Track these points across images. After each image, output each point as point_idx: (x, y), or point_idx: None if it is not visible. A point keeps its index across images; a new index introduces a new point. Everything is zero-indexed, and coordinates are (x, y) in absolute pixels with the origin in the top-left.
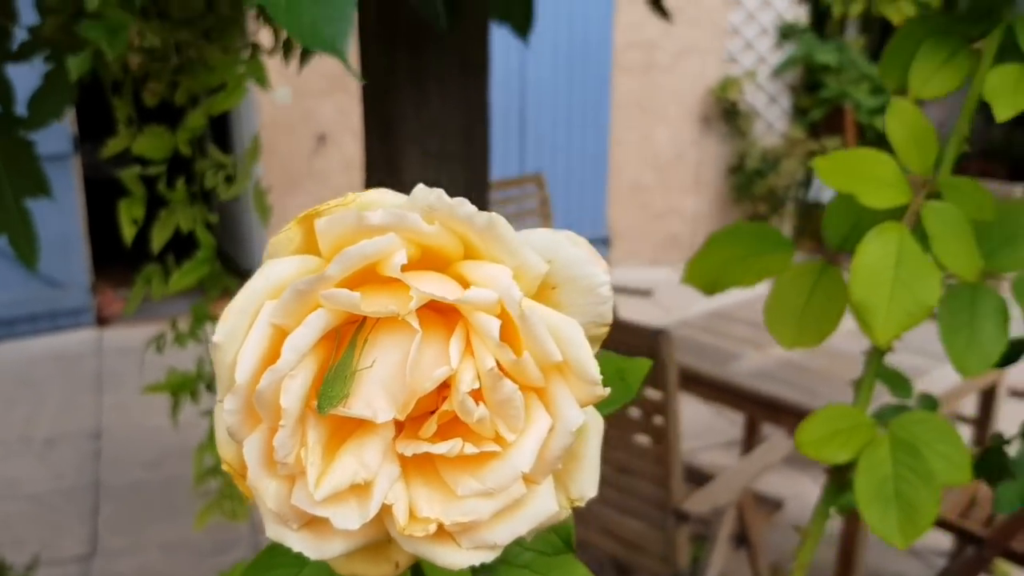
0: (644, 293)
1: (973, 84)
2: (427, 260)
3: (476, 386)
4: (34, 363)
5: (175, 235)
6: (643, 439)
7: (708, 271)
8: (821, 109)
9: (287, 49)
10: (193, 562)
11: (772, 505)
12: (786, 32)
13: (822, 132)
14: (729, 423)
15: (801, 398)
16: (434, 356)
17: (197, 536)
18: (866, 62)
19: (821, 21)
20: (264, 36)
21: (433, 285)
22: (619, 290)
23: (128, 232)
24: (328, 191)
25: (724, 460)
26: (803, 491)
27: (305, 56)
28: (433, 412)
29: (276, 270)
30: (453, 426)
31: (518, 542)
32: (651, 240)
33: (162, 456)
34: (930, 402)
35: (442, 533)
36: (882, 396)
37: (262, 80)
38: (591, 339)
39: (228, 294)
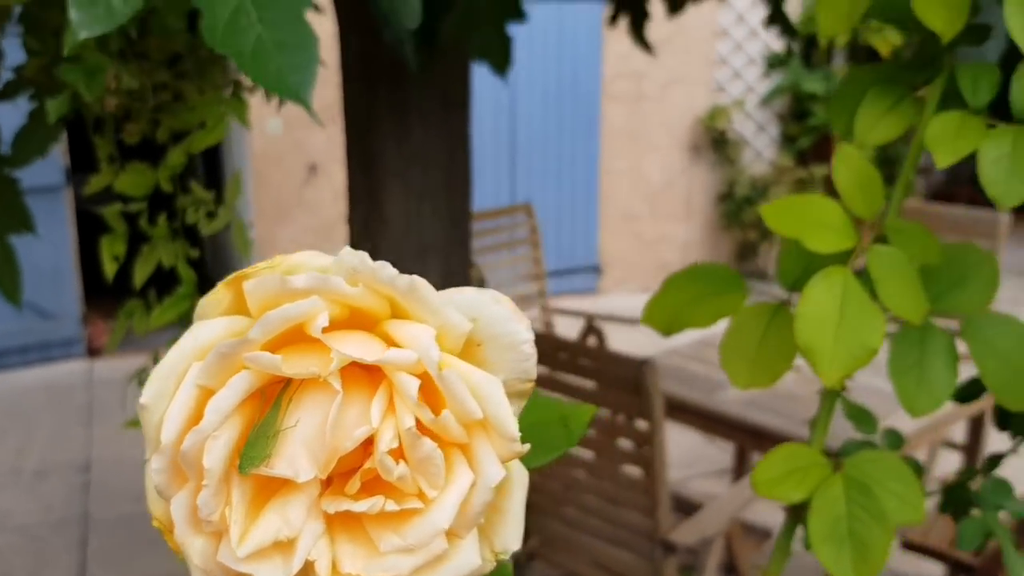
0: (634, 322)
1: (918, 131)
2: (356, 319)
3: (395, 445)
4: (25, 394)
5: (164, 268)
6: (631, 469)
7: (665, 312)
8: (809, 137)
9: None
10: None
11: (760, 535)
12: (773, 62)
13: (810, 160)
14: (720, 451)
15: (789, 427)
16: (357, 415)
17: (185, 571)
18: None
19: (808, 50)
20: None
21: (354, 346)
22: (609, 319)
23: (109, 268)
24: (318, 221)
25: (715, 488)
26: None
27: None
28: (360, 469)
29: (204, 332)
30: (377, 483)
31: None
32: (642, 268)
33: None
34: (894, 438)
35: None
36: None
37: (243, 119)
38: (517, 394)
39: None
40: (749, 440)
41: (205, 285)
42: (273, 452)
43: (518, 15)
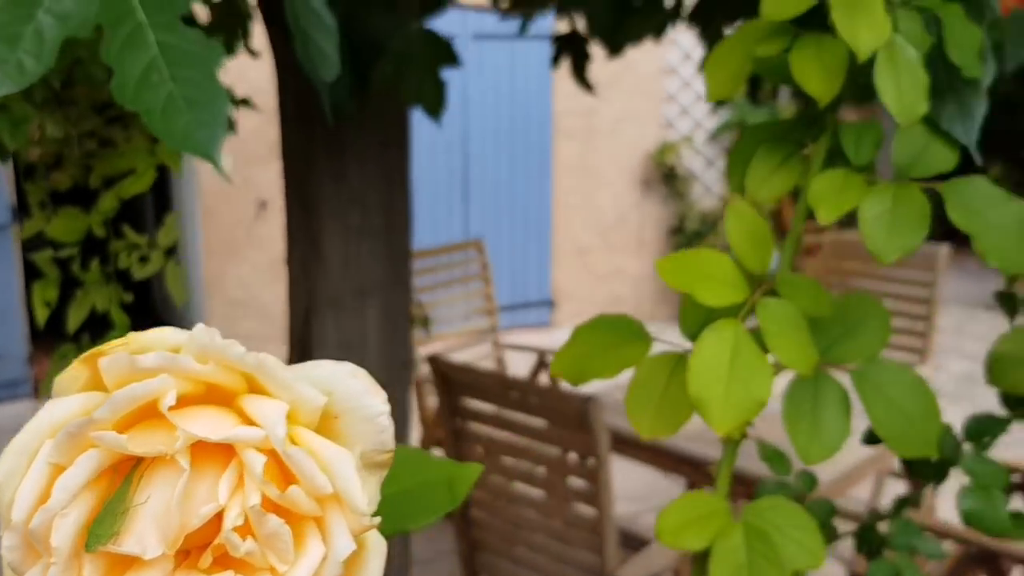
0: None
1: (805, 188)
2: (213, 395)
3: (241, 522)
4: None
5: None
6: (579, 507)
7: (572, 363)
8: None
9: None
10: None
11: None
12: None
13: None
14: (673, 484)
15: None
16: (207, 491)
17: None
18: None
19: (754, 87)
20: None
21: (202, 424)
22: None
23: (41, 314)
24: (269, 258)
25: None
26: None
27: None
28: (212, 544)
29: (59, 408)
30: (230, 557)
31: None
32: (595, 301)
33: None
34: (808, 479)
35: None
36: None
37: (175, 165)
38: (376, 465)
39: None
40: (697, 474)
41: (150, 326)
42: (122, 529)
43: (452, 60)
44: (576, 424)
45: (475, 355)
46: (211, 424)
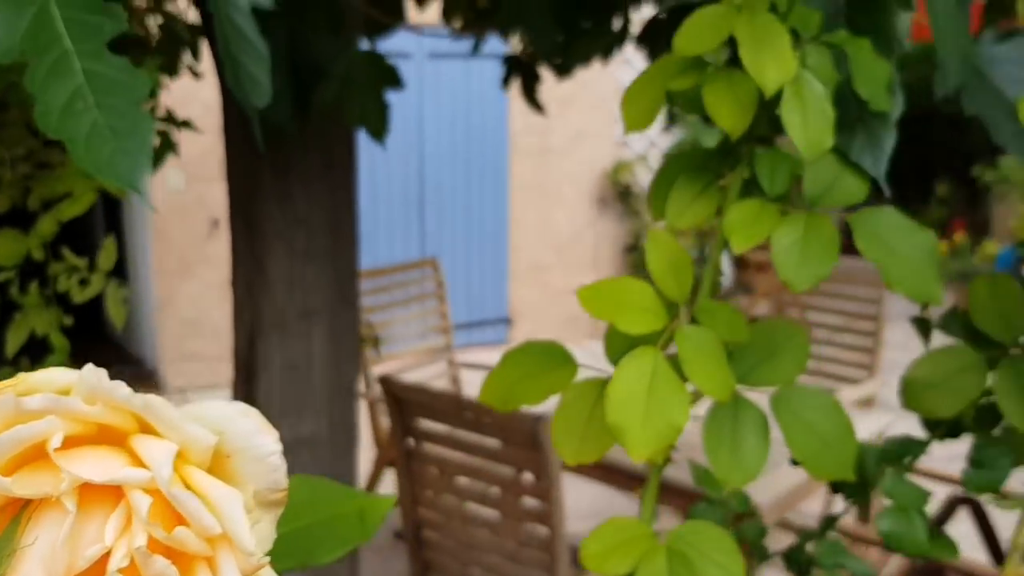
0: None
1: (722, 217)
2: (104, 435)
3: (127, 563)
4: None
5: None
6: (531, 526)
7: (500, 389)
8: None
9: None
10: None
11: None
12: (674, 118)
13: None
14: (629, 501)
15: (688, 478)
16: (94, 532)
17: None
18: None
19: None
20: None
21: (88, 466)
22: None
23: None
24: (222, 277)
25: None
26: None
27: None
28: None
29: None
30: None
31: None
32: (552, 319)
33: None
34: (741, 499)
35: None
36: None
37: (115, 188)
38: (270, 503)
39: None
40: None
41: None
42: (8, 571)
43: (395, 83)
44: (528, 443)
45: (430, 374)
46: (98, 465)
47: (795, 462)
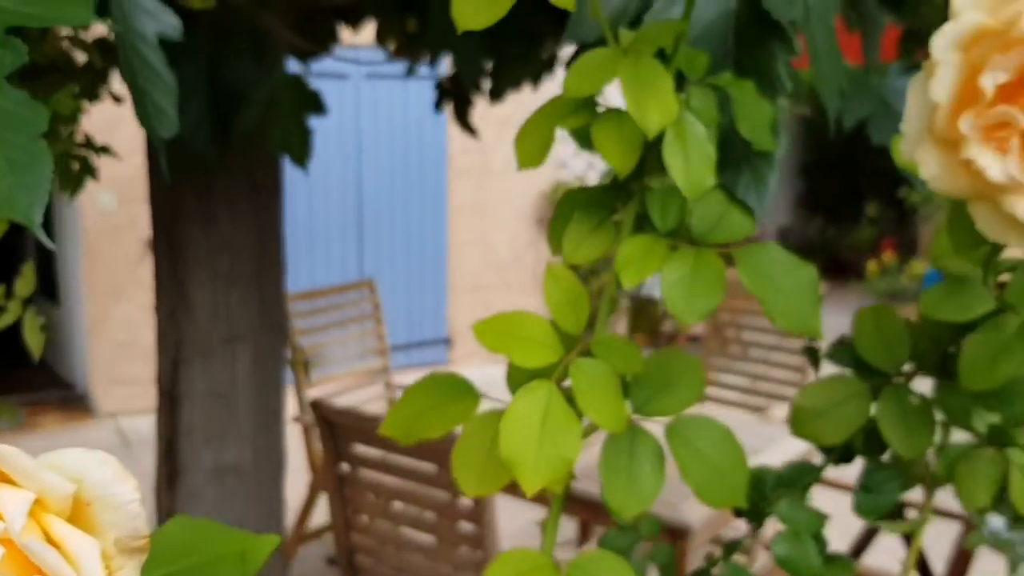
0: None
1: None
2: None
3: None
4: None
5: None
6: (466, 551)
7: (403, 422)
8: None
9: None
10: None
11: None
12: None
13: None
14: (566, 520)
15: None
16: None
17: None
18: None
19: None
20: None
21: None
22: None
23: None
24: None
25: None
26: None
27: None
28: None
29: None
30: None
31: None
32: None
33: None
34: (651, 524)
35: None
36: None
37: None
38: (132, 551)
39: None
40: (587, 513)
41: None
42: None
43: (318, 109)
44: None
45: (367, 396)
46: None
47: None
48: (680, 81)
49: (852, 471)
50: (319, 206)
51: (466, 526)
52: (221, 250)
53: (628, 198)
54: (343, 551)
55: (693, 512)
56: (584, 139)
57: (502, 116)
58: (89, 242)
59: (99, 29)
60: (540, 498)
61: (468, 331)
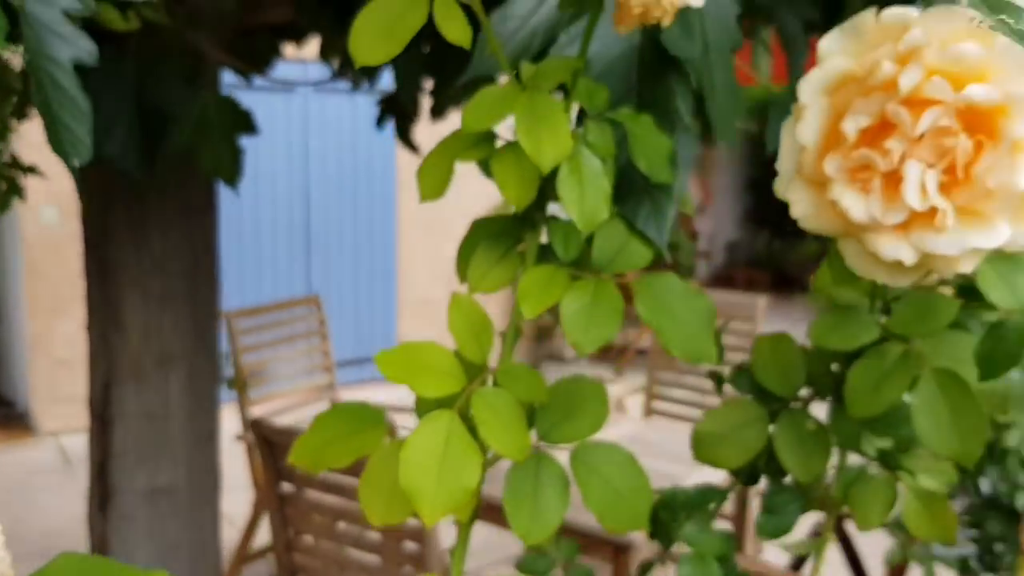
0: None
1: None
2: None
3: None
4: None
5: None
6: (410, 571)
7: (311, 451)
8: None
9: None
10: None
11: None
12: None
13: None
14: (509, 538)
15: (573, 516)
16: None
17: None
18: None
19: None
20: None
21: None
22: (401, 409)
23: None
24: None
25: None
26: None
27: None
28: None
29: None
30: None
31: None
32: None
33: None
34: (568, 547)
35: None
36: None
37: None
38: None
39: None
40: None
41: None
42: None
43: (250, 129)
44: None
45: (313, 413)
46: None
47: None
48: (582, 116)
49: None
50: (266, 221)
51: (410, 545)
52: (153, 271)
53: (532, 228)
54: (285, 572)
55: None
56: (489, 170)
57: (450, 130)
58: (31, 257)
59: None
60: (485, 516)
61: None
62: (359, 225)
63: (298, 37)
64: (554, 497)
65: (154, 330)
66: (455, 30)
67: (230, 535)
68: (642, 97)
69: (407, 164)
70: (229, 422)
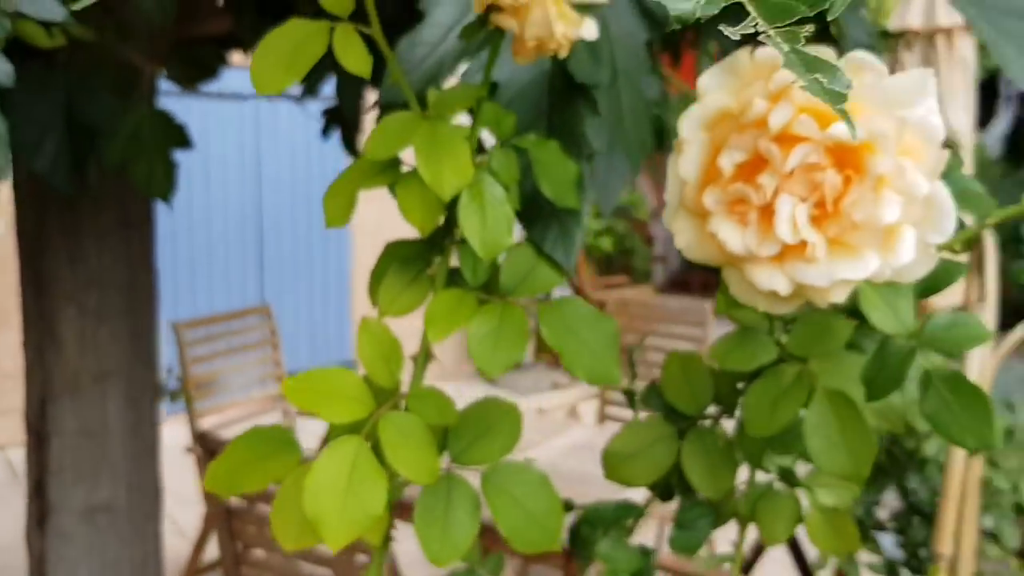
0: None
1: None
2: None
3: None
4: None
5: None
6: None
7: (224, 476)
8: None
9: None
10: None
11: None
12: None
13: None
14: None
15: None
16: None
17: None
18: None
19: None
20: None
21: None
22: None
23: None
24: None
25: None
26: None
27: None
28: None
29: None
30: None
31: None
32: None
33: None
34: (495, 562)
35: None
36: None
37: None
38: None
39: None
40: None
41: None
42: None
43: (184, 143)
44: None
45: (265, 423)
46: None
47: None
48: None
49: None
50: (217, 229)
51: (362, 558)
52: (89, 285)
53: (440, 253)
54: None
55: None
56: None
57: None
58: None
59: None
60: None
61: None
62: (312, 233)
63: (245, 46)
64: (465, 519)
65: (90, 345)
66: (354, 61)
67: (183, 548)
68: (552, 122)
69: None
70: (180, 434)
